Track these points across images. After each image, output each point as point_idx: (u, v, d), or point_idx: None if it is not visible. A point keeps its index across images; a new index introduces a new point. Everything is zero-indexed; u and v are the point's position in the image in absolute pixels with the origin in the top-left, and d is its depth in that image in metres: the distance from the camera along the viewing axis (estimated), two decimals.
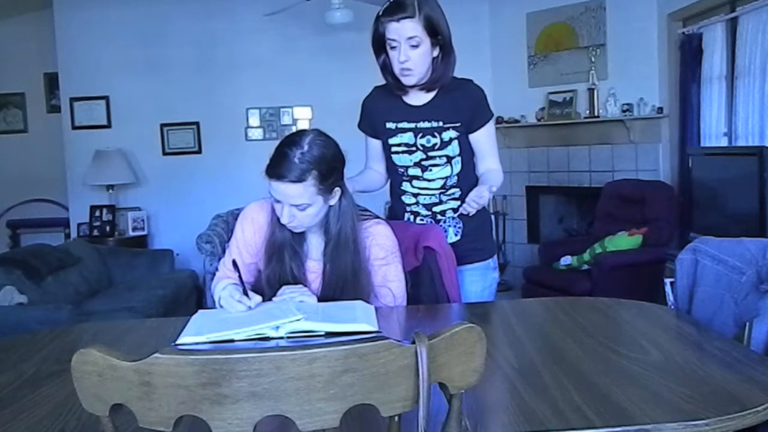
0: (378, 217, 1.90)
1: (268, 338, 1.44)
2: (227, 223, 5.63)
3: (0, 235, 6.59)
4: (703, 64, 4.48)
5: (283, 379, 0.79)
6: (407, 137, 2.11)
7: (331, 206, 1.76)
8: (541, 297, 2.27)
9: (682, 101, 4.59)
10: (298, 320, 1.45)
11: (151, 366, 0.79)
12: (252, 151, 5.93)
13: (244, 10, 5.85)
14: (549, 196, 5.82)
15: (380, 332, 1.45)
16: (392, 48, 2.01)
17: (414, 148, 2.11)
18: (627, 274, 4.24)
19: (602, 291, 3.97)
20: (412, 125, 2.10)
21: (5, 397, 1.27)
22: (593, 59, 5.24)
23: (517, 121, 5.76)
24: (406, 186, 2.18)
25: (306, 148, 1.66)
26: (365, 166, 2.28)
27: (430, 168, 2.12)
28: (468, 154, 2.14)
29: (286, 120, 6.03)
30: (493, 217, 6.21)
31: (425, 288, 1.99)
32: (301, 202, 1.67)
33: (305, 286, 1.79)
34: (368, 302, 1.79)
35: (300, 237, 1.81)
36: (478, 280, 2.17)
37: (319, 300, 1.75)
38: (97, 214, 5.82)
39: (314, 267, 1.83)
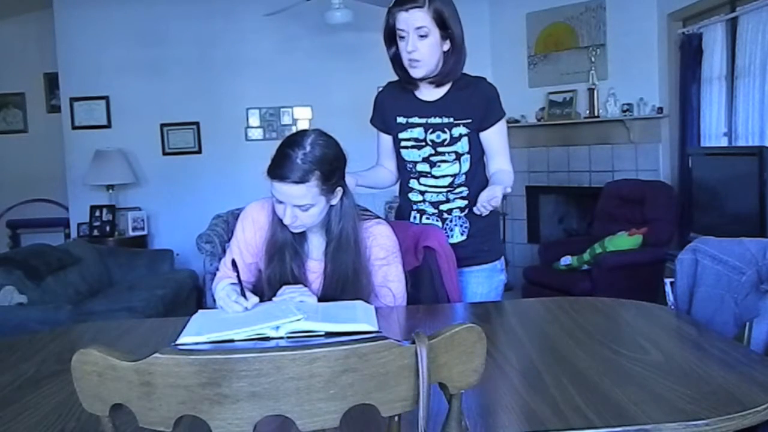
0: (378, 217, 1.90)
1: (268, 338, 1.44)
2: (227, 223, 5.63)
3: (0, 235, 6.59)
4: (703, 64, 4.48)
5: (283, 379, 0.79)
6: (417, 132, 2.10)
7: (332, 206, 1.76)
8: (541, 297, 2.26)
9: (682, 101, 4.59)
10: (298, 320, 1.45)
11: (151, 366, 0.79)
12: (252, 151, 5.94)
13: (244, 10, 5.85)
14: (549, 196, 5.82)
15: (380, 332, 1.45)
16: (401, 38, 2.01)
17: (423, 143, 2.10)
18: (627, 274, 4.24)
19: (602, 291, 3.97)
20: (423, 120, 2.09)
21: (5, 397, 1.27)
22: (593, 59, 5.24)
23: (517, 121, 5.76)
24: (413, 183, 2.17)
25: (308, 148, 1.65)
26: (376, 162, 2.27)
27: (438, 164, 2.10)
28: (478, 152, 2.13)
29: (286, 120, 6.03)
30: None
31: (425, 288, 1.99)
32: (304, 203, 1.67)
33: (306, 286, 1.79)
34: (368, 302, 1.79)
35: (301, 237, 1.81)
36: (484, 282, 2.16)
37: (320, 300, 1.74)
38: (97, 214, 5.82)
39: (315, 267, 1.82)
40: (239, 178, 5.75)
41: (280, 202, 1.70)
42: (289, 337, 1.44)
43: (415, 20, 1.96)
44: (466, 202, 2.13)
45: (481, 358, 0.90)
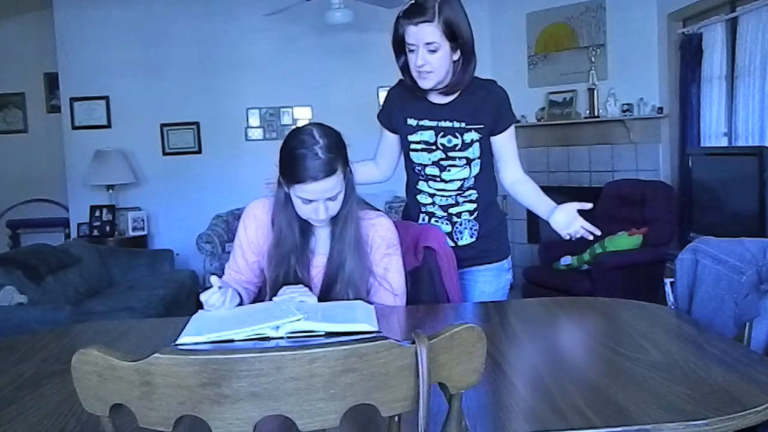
0: (379, 210, 1.91)
1: (268, 338, 1.44)
2: (227, 223, 5.64)
3: (0, 235, 6.59)
4: (703, 64, 4.48)
5: (283, 379, 0.79)
6: (428, 135, 2.08)
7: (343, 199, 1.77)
8: (541, 297, 2.26)
9: (682, 101, 4.59)
10: (298, 320, 1.45)
11: (151, 366, 0.79)
12: (252, 151, 5.94)
13: (244, 10, 5.85)
14: (549, 196, 5.80)
15: (380, 332, 1.45)
16: (410, 51, 1.97)
17: (434, 147, 2.08)
18: (627, 274, 4.24)
19: (602, 291, 3.97)
20: (434, 123, 2.07)
21: (5, 397, 1.27)
22: (593, 59, 5.24)
23: (517, 121, 5.73)
24: (422, 185, 2.14)
25: (321, 141, 1.65)
26: (373, 158, 2.26)
27: (448, 168, 2.08)
28: (488, 157, 2.11)
29: (286, 120, 6.04)
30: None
31: (425, 288, 1.99)
32: (335, 193, 1.68)
33: (309, 284, 1.80)
34: (368, 296, 1.80)
35: (308, 235, 1.82)
36: (491, 281, 2.16)
37: (322, 287, 1.76)
38: (97, 214, 5.82)
39: (320, 261, 1.83)
40: (239, 178, 5.75)
41: (308, 203, 1.68)
42: (289, 337, 1.44)
43: (424, 35, 1.92)
44: (475, 205, 2.12)
45: (481, 358, 0.90)
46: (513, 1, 5.76)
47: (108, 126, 5.94)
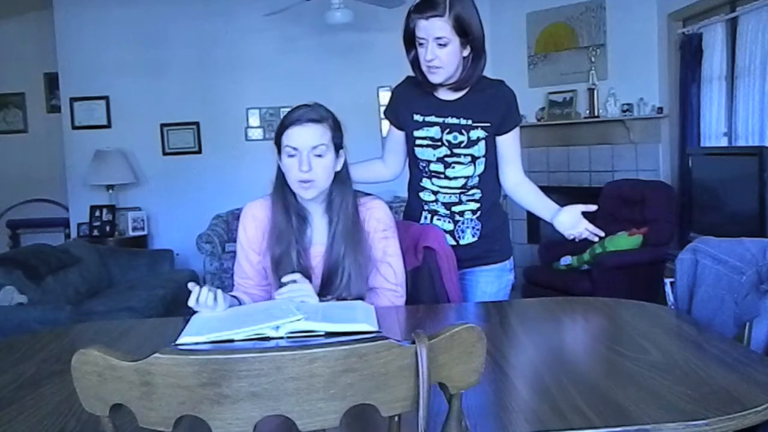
0: (371, 194, 1.92)
1: (268, 338, 1.44)
2: (227, 223, 5.64)
3: (0, 235, 6.59)
4: (703, 64, 4.48)
5: (283, 379, 0.79)
6: (434, 131, 2.08)
7: (336, 179, 1.78)
8: (541, 297, 2.26)
9: (682, 101, 4.59)
10: (298, 320, 1.45)
11: (151, 366, 0.79)
12: (252, 151, 5.94)
13: (244, 10, 5.85)
14: (549, 196, 5.79)
15: (380, 332, 1.45)
16: (420, 45, 1.98)
17: (439, 143, 2.07)
18: (627, 274, 4.24)
19: (602, 291, 3.97)
20: (440, 120, 2.07)
21: (5, 397, 1.27)
22: (593, 59, 5.24)
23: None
24: (426, 183, 2.14)
25: (314, 104, 1.79)
26: (381, 156, 2.27)
27: (453, 165, 2.08)
28: (493, 156, 2.11)
29: None
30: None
31: (425, 288, 1.99)
32: (319, 143, 1.72)
33: (310, 272, 1.80)
34: (368, 280, 1.81)
35: (304, 223, 1.82)
36: (493, 282, 2.16)
37: (322, 281, 1.77)
38: (97, 214, 5.82)
39: (317, 251, 1.83)
40: (239, 178, 5.75)
41: (293, 155, 1.73)
42: (289, 337, 1.44)
43: (434, 29, 1.93)
44: (478, 204, 2.12)
45: (481, 358, 0.90)
46: (513, 1, 5.76)
47: (108, 126, 5.94)
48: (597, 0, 5.26)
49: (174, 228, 5.94)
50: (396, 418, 0.89)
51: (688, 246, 1.85)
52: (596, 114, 5.22)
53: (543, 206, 2.16)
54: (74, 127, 5.92)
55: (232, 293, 1.81)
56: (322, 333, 1.45)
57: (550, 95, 5.58)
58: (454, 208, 2.12)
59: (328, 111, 1.79)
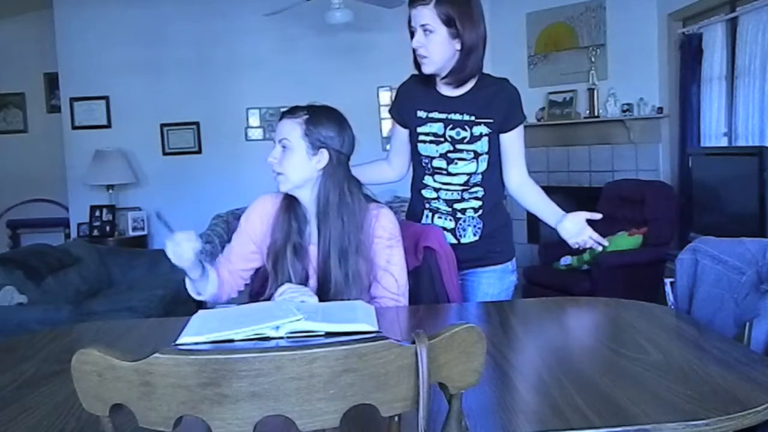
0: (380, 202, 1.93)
1: (268, 338, 1.44)
2: (227, 223, 5.63)
3: (0, 235, 6.59)
4: (703, 64, 4.48)
5: (283, 379, 0.79)
6: (437, 127, 2.07)
7: (322, 178, 1.79)
8: (541, 297, 2.26)
9: (682, 101, 4.59)
10: (298, 320, 1.45)
11: (151, 366, 0.79)
12: (252, 151, 5.94)
13: (244, 10, 5.85)
14: (549, 196, 5.79)
15: (380, 332, 1.45)
16: (411, 35, 2.01)
17: (442, 139, 2.07)
18: (627, 274, 4.24)
19: (602, 291, 3.97)
20: (444, 116, 2.06)
21: (5, 397, 1.27)
22: (593, 59, 5.24)
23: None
24: (428, 180, 2.14)
25: (319, 105, 1.85)
26: (387, 156, 2.28)
27: (455, 161, 2.07)
28: (496, 154, 2.10)
29: None
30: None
31: (425, 288, 1.98)
32: (284, 136, 1.79)
33: (307, 272, 1.82)
34: (370, 288, 1.82)
35: (302, 222, 1.84)
36: (495, 283, 2.15)
37: (317, 274, 1.79)
38: (97, 214, 5.82)
39: (313, 251, 1.84)
40: (239, 178, 5.75)
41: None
42: (289, 337, 1.44)
43: (421, 17, 1.96)
44: (480, 203, 2.11)
45: (481, 358, 0.90)
46: (513, 1, 5.76)
47: (108, 126, 5.94)
48: (597, 0, 5.26)
49: (174, 228, 5.92)
50: (396, 418, 0.89)
51: (688, 246, 1.85)
52: (596, 114, 5.22)
53: (547, 210, 2.16)
54: (74, 127, 5.92)
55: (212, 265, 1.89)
56: (322, 333, 1.45)
57: (550, 95, 5.58)
58: (456, 206, 2.11)
59: (316, 115, 1.82)
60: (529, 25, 5.71)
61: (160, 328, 1.88)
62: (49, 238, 5.77)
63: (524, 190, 2.16)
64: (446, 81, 2.06)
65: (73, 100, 5.89)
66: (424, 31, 1.97)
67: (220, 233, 5.45)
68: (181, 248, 1.78)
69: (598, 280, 4.24)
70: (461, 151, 2.06)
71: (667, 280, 1.88)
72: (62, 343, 1.67)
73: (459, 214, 2.12)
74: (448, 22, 1.95)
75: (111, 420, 0.85)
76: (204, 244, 1.75)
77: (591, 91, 5.24)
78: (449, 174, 2.09)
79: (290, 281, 1.78)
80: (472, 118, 2.04)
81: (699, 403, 1.12)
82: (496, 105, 2.05)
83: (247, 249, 1.90)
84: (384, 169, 2.27)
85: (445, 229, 2.08)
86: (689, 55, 4.52)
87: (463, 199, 2.11)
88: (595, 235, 2.06)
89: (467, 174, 2.08)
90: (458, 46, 1.99)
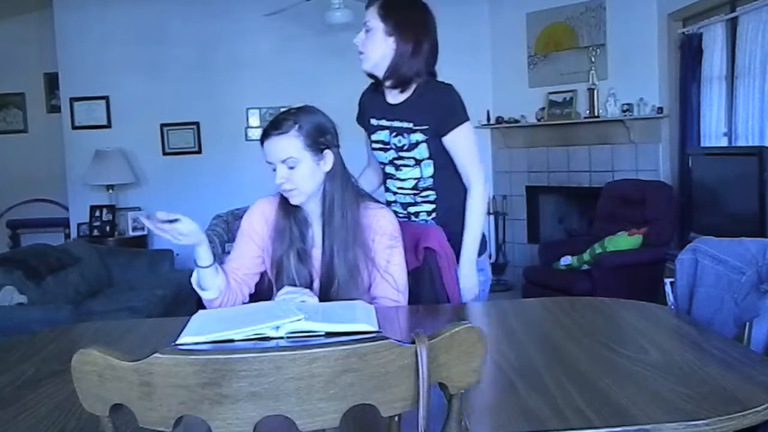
0: (381, 203, 1.93)
1: (268, 338, 1.44)
2: (227, 223, 5.63)
3: (0, 235, 6.59)
4: (703, 64, 4.48)
5: (283, 379, 0.79)
6: (384, 135, 2.13)
7: (327, 179, 1.77)
8: (541, 297, 2.26)
9: (682, 101, 4.59)
10: (298, 320, 1.45)
11: (151, 366, 0.79)
12: (252, 151, 5.93)
13: (244, 10, 5.85)
14: (549, 196, 5.82)
15: (380, 332, 1.45)
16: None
17: (388, 146, 2.13)
18: (627, 274, 4.24)
19: (602, 291, 3.97)
20: (389, 123, 2.12)
21: (5, 397, 1.27)
22: (593, 59, 5.23)
23: (517, 121, 5.76)
24: (388, 183, 2.22)
25: (293, 111, 1.75)
26: (367, 161, 2.31)
27: (401, 168, 2.14)
28: (442, 158, 2.09)
29: None
30: (492, 218, 6.15)
31: (425, 288, 1.98)
32: (286, 156, 1.71)
33: (312, 275, 1.81)
34: (370, 289, 1.82)
35: (304, 224, 1.83)
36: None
37: (321, 281, 1.78)
38: (97, 214, 5.82)
39: (317, 254, 1.83)
40: (239, 178, 5.75)
41: (272, 168, 1.75)
42: (289, 337, 1.44)
43: (366, 16, 2.04)
44: (433, 206, 2.14)
45: (481, 358, 0.90)
46: (513, 1, 5.76)
47: (108, 126, 5.94)
48: (597, 0, 5.26)
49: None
50: (396, 418, 0.89)
51: (688, 246, 1.85)
52: (596, 114, 5.22)
53: (464, 238, 2.10)
54: (74, 127, 5.92)
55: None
56: (322, 333, 1.45)
57: (550, 95, 5.58)
58: (410, 209, 2.17)
59: (305, 118, 1.74)
60: (529, 25, 5.70)
61: (160, 328, 1.88)
62: (49, 238, 5.76)
63: (467, 202, 2.11)
64: (387, 85, 2.09)
65: (73, 100, 5.89)
66: (366, 30, 2.03)
67: (220, 233, 5.44)
68: (180, 225, 1.66)
69: (598, 280, 4.24)
70: (404, 158, 2.11)
71: (667, 280, 1.88)
72: (62, 343, 1.67)
73: (413, 218, 2.16)
74: (386, 20, 2.01)
75: (111, 420, 0.85)
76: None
77: (591, 91, 5.24)
78: (399, 179, 2.15)
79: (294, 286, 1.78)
80: (411, 125, 2.08)
81: (699, 403, 1.12)
82: (430, 110, 2.06)
83: (254, 253, 1.87)
84: (371, 176, 2.30)
85: None
86: (689, 55, 4.51)
87: (415, 203, 2.15)
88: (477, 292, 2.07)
89: (414, 179, 2.13)
90: (394, 46, 2.02)
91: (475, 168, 2.10)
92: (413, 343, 0.84)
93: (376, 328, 1.46)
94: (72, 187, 5.97)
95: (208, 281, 1.78)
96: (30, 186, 6.60)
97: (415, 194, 2.14)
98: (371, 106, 2.18)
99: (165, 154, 6.01)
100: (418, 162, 2.10)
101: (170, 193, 5.98)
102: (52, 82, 6.40)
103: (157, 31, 5.87)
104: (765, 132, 3.85)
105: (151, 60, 5.87)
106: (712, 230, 3.26)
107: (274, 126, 1.73)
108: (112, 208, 5.83)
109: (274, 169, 1.75)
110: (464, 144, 2.09)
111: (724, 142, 4.33)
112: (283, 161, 1.73)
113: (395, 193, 2.19)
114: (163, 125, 5.96)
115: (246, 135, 6.05)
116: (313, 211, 1.83)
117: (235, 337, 1.43)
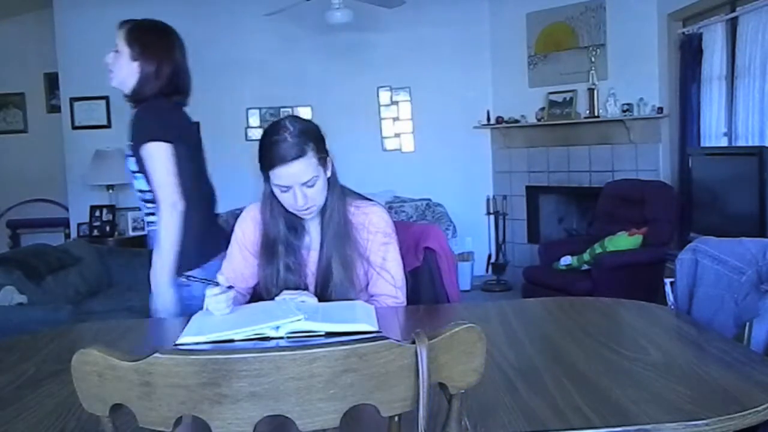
0: (371, 200, 1.91)
1: (268, 338, 1.44)
2: (227, 223, 5.61)
3: (0, 235, 6.59)
4: (703, 64, 4.48)
5: (283, 379, 0.79)
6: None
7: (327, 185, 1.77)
8: (541, 297, 2.26)
9: (682, 101, 4.59)
10: (298, 320, 1.45)
11: (151, 366, 0.79)
12: (252, 151, 5.88)
13: (244, 10, 5.85)
14: (549, 196, 5.82)
15: (380, 332, 1.45)
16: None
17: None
18: (627, 274, 4.23)
19: (602, 291, 3.97)
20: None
21: (5, 397, 1.27)
22: (593, 59, 5.23)
23: (517, 121, 5.76)
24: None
25: (291, 128, 1.69)
26: None
27: (135, 175, 2.20)
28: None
29: None
30: (492, 218, 6.14)
31: (425, 288, 1.99)
32: (309, 177, 1.68)
33: (306, 279, 1.80)
34: (368, 287, 1.81)
35: (299, 229, 1.81)
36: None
37: (317, 278, 1.77)
38: (97, 214, 5.82)
39: (314, 257, 1.83)
40: (239, 178, 5.73)
41: (285, 190, 1.69)
42: (289, 337, 1.44)
43: (117, 35, 2.27)
44: (155, 217, 2.16)
45: (481, 358, 0.90)
46: (513, 1, 5.76)
47: (108, 126, 5.93)
48: (597, 0, 5.26)
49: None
50: (396, 418, 0.89)
51: (688, 246, 1.85)
52: (596, 114, 5.22)
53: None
54: (74, 127, 5.91)
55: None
56: (322, 333, 1.45)
57: (550, 95, 5.58)
58: (147, 218, 2.26)
59: (307, 131, 1.70)
60: (529, 25, 5.70)
61: (160, 328, 1.88)
62: (49, 238, 5.76)
63: None
64: (128, 101, 2.21)
65: (73, 100, 5.88)
66: (116, 51, 2.18)
67: None
68: (218, 301, 1.63)
69: (598, 280, 4.24)
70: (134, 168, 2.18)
71: (667, 280, 1.88)
72: (62, 343, 1.67)
73: (148, 226, 2.24)
74: (132, 45, 2.18)
75: (111, 420, 0.85)
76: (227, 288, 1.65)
77: (591, 91, 5.24)
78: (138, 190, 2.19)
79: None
80: (130, 143, 2.15)
81: (699, 403, 1.12)
82: (131, 127, 2.16)
83: (250, 263, 1.85)
84: None
85: None
86: (689, 55, 4.51)
87: (152, 213, 2.18)
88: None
89: (139, 191, 2.21)
90: (138, 69, 2.15)
91: (161, 192, 2.06)
92: (413, 343, 0.84)
93: (376, 328, 1.47)
94: (72, 187, 5.96)
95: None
96: (30, 186, 6.60)
97: (146, 203, 2.20)
98: None
99: None
100: (135, 173, 2.17)
101: None
102: (52, 82, 6.40)
103: None
104: (765, 132, 3.85)
105: None
106: (712, 230, 3.26)
107: (290, 151, 1.65)
108: (112, 208, 5.83)
109: (283, 191, 1.70)
110: (149, 164, 2.08)
111: (724, 142, 4.33)
112: (304, 183, 1.69)
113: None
114: None
115: (246, 135, 6.05)
116: (312, 216, 1.82)
117: (235, 337, 1.43)
